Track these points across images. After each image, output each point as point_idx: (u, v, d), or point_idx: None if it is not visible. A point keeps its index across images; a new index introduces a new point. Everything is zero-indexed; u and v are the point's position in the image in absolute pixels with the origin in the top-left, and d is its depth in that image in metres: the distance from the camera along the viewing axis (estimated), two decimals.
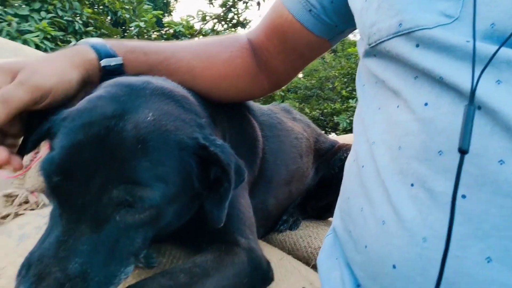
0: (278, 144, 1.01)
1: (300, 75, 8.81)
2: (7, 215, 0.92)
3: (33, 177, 1.00)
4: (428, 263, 0.42)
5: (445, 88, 0.44)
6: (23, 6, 4.85)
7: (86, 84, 0.65)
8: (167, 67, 0.76)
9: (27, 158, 1.03)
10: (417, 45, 0.47)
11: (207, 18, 6.97)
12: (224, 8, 7.01)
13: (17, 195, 0.95)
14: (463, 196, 0.40)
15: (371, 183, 0.52)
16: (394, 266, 0.46)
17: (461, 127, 0.38)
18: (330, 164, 1.23)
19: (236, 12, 7.07)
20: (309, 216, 1.27)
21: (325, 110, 7.92)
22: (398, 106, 0.50)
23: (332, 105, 7.96)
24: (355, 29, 0.75)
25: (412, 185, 0.45)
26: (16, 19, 4.57)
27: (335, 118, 7.23)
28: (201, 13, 6.92)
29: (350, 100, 7.35)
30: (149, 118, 0.52)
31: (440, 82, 0.44)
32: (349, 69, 8.03)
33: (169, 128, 0.53)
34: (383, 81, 0.54)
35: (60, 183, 0.48)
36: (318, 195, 1.25)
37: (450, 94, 0.43)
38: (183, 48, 0.82)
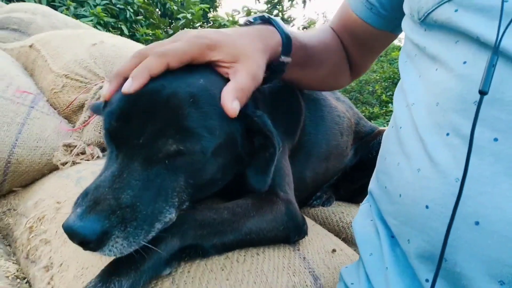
0: (321, 118, 1.05)
1: None
2: (66, 163, 1.01)
3: (90, 132, 1.09)
4: (459, 199, 0.45)
5: (482, 47, 0.47)
6: None
7: None
8: (312, 61, 0.86)
9: (86, 114, 1.12)
10: (456, 10, 0.50)
11: (252, 14, 7.05)
12: (269, 5, 7.06)
13: (75, 146, 1.04)
14: (495, 139, 0.43)
15: (409, 140, 0.56)
16: (427, 207, 0.49)
17: (483, 73, 0.43)
18: (368, 148, 1.25)
19: (280, 9, 7.10)
20: (342, 198, 1.30)
21: (363, 114, 7.82)
22: (436, 69, 0.54)
23: (370, 109, 7.83)
24: None
25: (447, 134, 0.49)
26: (74, 4, 4.84)
27: (373, 122, 7.12)
28: (246, 8, 7.01)
29: (390, 105, 7.20)
30: (201, 81, 0.58)
31: (477, 41, 0.47)
32: (391, 73, 7.86)
33: (216, 92, 0.58)
34: (424, 48, 0.58)
35: (119, 127, 0.55)
36: (353, 177, 1.27)
37: (486, 51, 0.46)
38: (316, 38, 0.89)
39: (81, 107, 1.18)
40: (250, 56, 0.62)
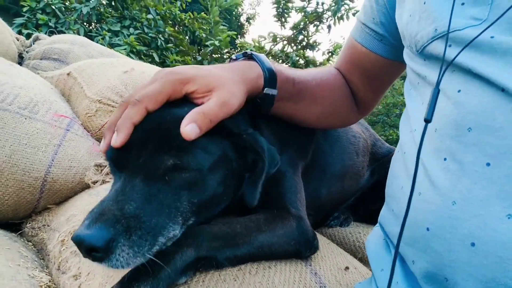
0: (335, 137, 1.09)
1: None
2: (96, 181, 1.09)
3: None
4: (456, 222, 0.48)
5: (476, 78, 0.50)
6: (116, 23, 5.44)
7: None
8: (304, 96, 0.86)
9: None
10: (450, 45, 0.54)
11: (278, 39, 7.21)
12: (294, 31, 7.21)
13: (105, 166, 1.11)
14: (488, 164, 0.46)
15: (412, 164, 0.59)
16: (427, 229, 0.52)
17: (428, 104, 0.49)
18: (385, 169, 1.26)
19: (306, 35, 7.23)
20: (361, 219, 1.31)
21: (390, 137, 7.71)
22: None
23: (397, 132, 7.72)
24: None
25: (445, 159, 0.52)
26: (109, 34, 5.14)
27: None
28: (272, 34, 7.19)
29: None
30: (185, 109, 0.62)
31: (470, 72, 0.51)
32: None
33: None
34: (425, 77, 0.61)
35: (120, 155, 0.61)
36: (372, 198, 1.28)
37: (478, 81, 0.50)
38: (311, 76, 0.91)
39: None
40: (224, 85, 0.64)
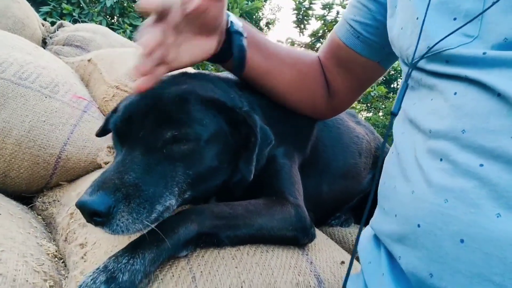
0: (337, 134, 1.11)
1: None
2: (108, 162, 1.12)
3: None
4: (447, 218, 0.50)
5: (472, 84, 0.52)
6: (138, 18, 5.54)
7: None
8: (265, 51, 0.91)
9: None
10: (447, 61, 0.56)
11: (295, 45, 7.24)
12: (313, 38, 7.25)
13: None
14: (481, 165, 0.48)
15: (407, 164, 0.60)
16: (418, 225, 0.54)
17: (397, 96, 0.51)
18: None
19: (323, 43, 7.24)
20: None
21: None
22: (432, 99, 0.59)
23: None
24: None
25: (441, 159, 0.53)
26: (130, 28, 5.24)
27: None
28: (290, 40, 7.24)
29: None
30: (184, 86, 0.69)
31: (466, 78, 0.53)
32: None
33: (200, 92, 0.70)
34: (420, 80, 0.63)
35: (123, 127, 0.66)
36: (372, 201, 1.30)
37: (474, 86, 0.52)
38: (277, 43, 0.98)
39: None
40: None
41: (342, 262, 0.84)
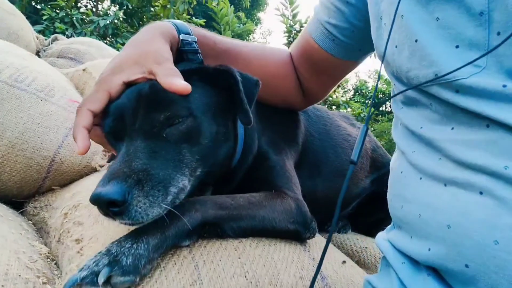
0: (324, 129, 1.11)
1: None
2: (103, 165, 1.11)
3: None
4: (501, 263, 0.47)
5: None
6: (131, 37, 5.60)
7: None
8: (228, 57, 0.89)
9: None
10: (457, 91, 0.53)
11: None
12: None
13: None
14: None
15: (429, 191, 0.58)
16: (466, 266, 0.51)
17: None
18: (384, 182, 1.28)
19: (296, 39, 7.33)
20: (357, 230, 1.31)
21: None
22: (452, 128, 0.56)
23: None
24: None
25: (480, 193, 0.50)
26: (122, 47, 5.28)
27: None
28: None
29: None
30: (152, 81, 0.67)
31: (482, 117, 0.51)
32: None
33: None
34: (420, 99, 0.61)
35: (116, 125, 0.65)
36: (369, 210, 1.29)
37: (479, 119, 0.51)
38: (244, 45, 0.97)
39: None
40: (148, 51, 0.68)
41: (344, 262, 0.83)
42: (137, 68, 0.67)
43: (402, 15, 0.59)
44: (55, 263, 0.87)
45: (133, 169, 0.57)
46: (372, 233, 1.30)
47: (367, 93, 11.81)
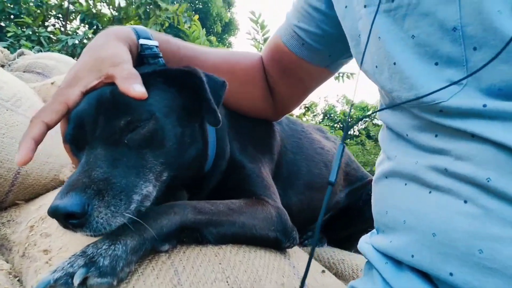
0: (297, 143, 1.11)
1: None
2: None
3: None
4: (486, 271, 0.48)
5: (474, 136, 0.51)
6: None
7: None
8: (194, 62, 0.86)
9: None
10: (440, 111, 0.53)
11: None
12: None
13: None
14: None
15: (414, 198, 0.58)
16: (451, 274, 0.51)
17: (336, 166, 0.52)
18: (357, 195, 1.30)
19: (266, 43, 7.45)
20: (332, 244, 1.31)
21: None
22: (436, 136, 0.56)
23: None
24: (351, 58, 0.85)
25: (465, 201, 0.51)
26: None
27: None
28: None
29: None
30: (112, 86, 0.65)
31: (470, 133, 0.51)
32: None
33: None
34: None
35: (76, 133, 0.63)
36: (343, 224, 1.30)
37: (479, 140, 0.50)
38: (211, 51, 0.95)
39: None
40: (104, 56, 0.66)
41: (323, 271, 0.82)
42: (93, 75, 0.65)
43: (379, 37, 0.58)
44: (18, 280, 0.81)
45: (93, 179, 0.54)
46: (347, 248, 1.30)
47: (335, 117, 12.12)
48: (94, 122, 0.61)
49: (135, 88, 0.61)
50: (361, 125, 12.33)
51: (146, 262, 0.57)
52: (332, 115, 12.08)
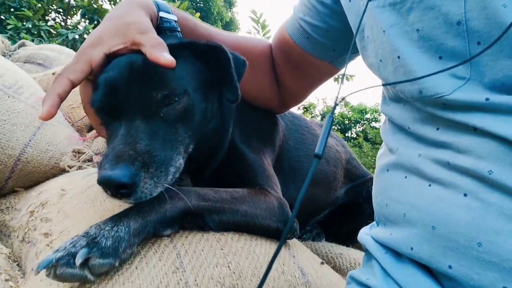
0: (300, 137, 1.11)
1: None
2: (73, 166, 1.06)
3: (100, 143, 1.16)
4: (485, 265, 0.48)
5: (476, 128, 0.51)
6: None
7: None
8: (208, 40, 0.84)
9: None
10: (444, 104, 0.53)
11: None
12: None
13: (83, 153, 1.09)
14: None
15: (416, 191, 0.58)
16: (450, 267, 0.51)
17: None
18: (357, 192, 1.30)
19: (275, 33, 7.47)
20: (331, 239, 1.31)
21: None
22: (439, 130, 0.57)
23: None
24: (358, 55, 0.83)
25: (465, 195, 0.51)
26: None
27: None
28: None
29: None
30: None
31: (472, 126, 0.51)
32: None
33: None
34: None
35: (110, 101, 0.63)
36: (342, 220, 1.30)
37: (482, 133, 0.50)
38: (225, 34, 0.95)
39: None
40: (130, 21, 0.66)
41: (322, 263, 0.82)
42: (118, 39, 0.65)
43: (384, 30, 0.59)
44: (17, 264, 0.81)
45: (138, 151, 0.57)
46: (345, 244, 1.30)
47: (334, 118, 12.11)
48: (128, 91, 0.62)
49: (165, 56, 0.61)
50: (359, 127, 12.36)
51: (148, 245, 0.57)
52: None
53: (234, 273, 0.58)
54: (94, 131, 1.19)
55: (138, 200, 0.56)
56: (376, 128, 10.29)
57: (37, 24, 5.11)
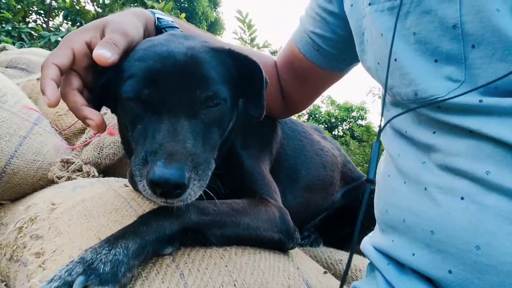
0: (298, 144, 1.09)
1: None
2: (62, 177, 1.02)
3: (89, 152, 1.12)
4: (484, 268, 0.48)
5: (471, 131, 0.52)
6: None
7: (145, 34, 0.75)
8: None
9: (87, 135, 1.15)
10: (438, 107, 0.54)
11: None
12: None
13: (72, 163, 1.05)
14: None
15: (415, 195, 0.58)
16: (450, 271, 0.50)
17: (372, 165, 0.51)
18: (354, 195, 1.28)
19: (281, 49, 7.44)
20: (328, 243, 1.30)
21: None
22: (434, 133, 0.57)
23: None
24: None
25: (461, 198, 0.51)
26: None
27: None
28: None
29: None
30: (191, 42, 0.66)
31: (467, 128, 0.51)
32: None
33: (208, 45, 0.66)
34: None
35: (151, 93, 0.59)
36: (339, 224, 1.29)
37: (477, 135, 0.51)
38: (238, 46, 0.94)
39: (81, 131, 1.22)
40: (112, 21, 0.66)
41: (325, 272, 0.80)
42: (97, 32, 0.65)
43: (382, 34, 0.60)
44: (5, 284, 0.77)
45: (189, 151, 0.55)
46: (343, 248, 1.29)
47: (320, 117, 12.18)
48: (173, 85, 0.59)
49: (98, 51, 0.59)
50: (345, 125, 12.44)
51: (149, 266, 0.54)
52: (317, 115, 12.13)
53: None
54: (84, 139, 1.15)
55: (184, 202, 0.54)
56: (362, 126, 10.36)
57: (17, 26, 4.97)
